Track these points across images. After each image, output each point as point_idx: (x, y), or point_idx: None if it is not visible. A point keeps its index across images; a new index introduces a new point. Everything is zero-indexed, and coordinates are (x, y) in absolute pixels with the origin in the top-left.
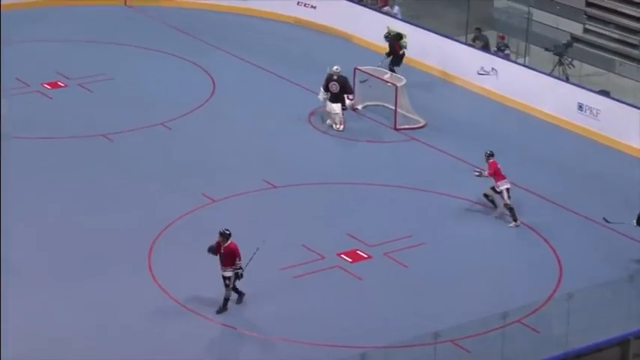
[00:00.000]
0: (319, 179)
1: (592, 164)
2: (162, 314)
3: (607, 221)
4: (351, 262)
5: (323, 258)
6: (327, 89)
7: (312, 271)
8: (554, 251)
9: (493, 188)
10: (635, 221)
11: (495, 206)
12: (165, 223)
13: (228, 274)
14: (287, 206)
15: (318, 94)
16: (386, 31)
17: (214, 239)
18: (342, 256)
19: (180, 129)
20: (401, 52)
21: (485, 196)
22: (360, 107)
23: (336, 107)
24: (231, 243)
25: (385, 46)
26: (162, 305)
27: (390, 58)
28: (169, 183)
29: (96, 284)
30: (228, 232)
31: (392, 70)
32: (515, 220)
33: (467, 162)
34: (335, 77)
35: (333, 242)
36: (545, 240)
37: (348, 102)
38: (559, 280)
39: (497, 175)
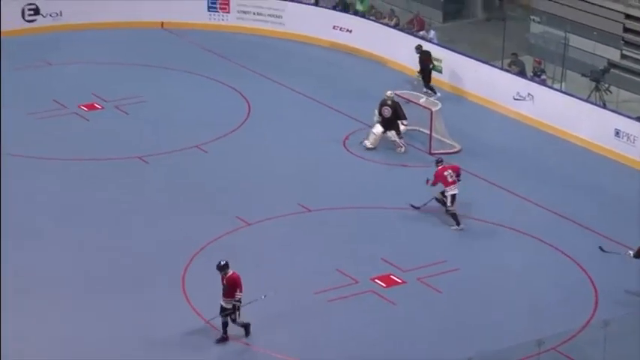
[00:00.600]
0: (354, 203)
1: (628, 191)
2: (195, 336)
3: (602, 250)
4: (384, 287)
5: (357, 282)
6: (380, 113)
7: (345, 295)
8: (589, 278)
9: (443, 193)
10: (632, 252)
11: (446, 208)
12: (200, 245)
13: (228, 305)
14: (321, 230)
15: (362, 119)
16: (417, 44)
17: (247, 262)
18: (376, 280)
19: (215, 151)
20: (431, 66)
21: (437, 199)
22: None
23: (391, 134)
24: (233, 273)
25: (416, 61)
26: (195, 327)
27: (422, 77)
28: (204, 205)
29: (130, 304)
30: (224, 264)
31: (430, 89)
32: (458, 223)
33: (502, 187)
34: (388, 102)
35: (367, 267)
36: (580, 266)
37: (402, 127)
38: (595, 307)
39: (444, 181)
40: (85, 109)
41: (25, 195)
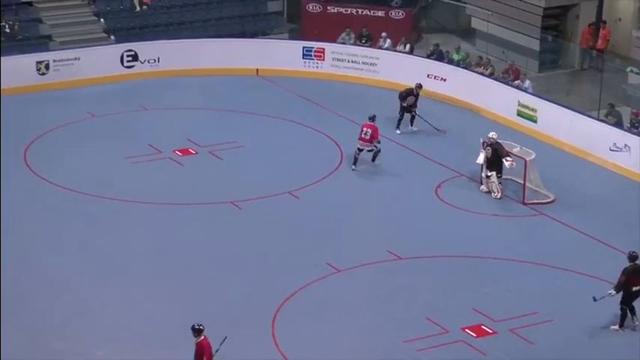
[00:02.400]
0: (445, 252)
1: None
2: None
3: (595, 299)
4: (475, 337)
5: (447, 332)
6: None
7: (435, 344)
8: None
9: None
10: (613, 291)
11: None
12: (290, 291)
13: None
14: (411, 278)
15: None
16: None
17: (337, 309)
18: (467, 330)
19: (307, 198)
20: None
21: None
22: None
23: (492, 176)
24: (203, 339)
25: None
26: None
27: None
28: (295, 251)
29: (220, 350)
30: (198, 327)
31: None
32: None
33: (597, 239)
34: (490, 143)
35: (457, 316)
36: None
37: (507, 163)
38: None
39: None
40: (180, 153)
41: (119, 238)
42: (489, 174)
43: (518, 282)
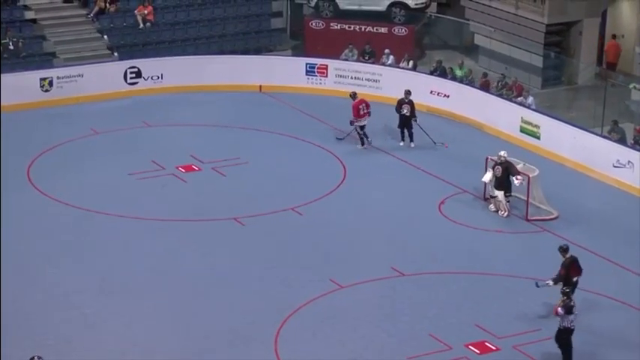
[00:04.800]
0: (448, 268)
1: None
2: None
3: (537, 285)
4: (478, 354)
5: (450, 349)
6: (494, 172)
7: None
8: None
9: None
10: (550, 281)
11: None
12: (293, 307)
13: None
14: (414, 294)
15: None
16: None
17: (340, 325)
18: (470, 347)
19: (310, 214)
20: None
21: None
22: None
23: (500, 195)
24: None
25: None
26: None
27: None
28: (298, 267)
29: None
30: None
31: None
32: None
33: (601, 255)
34: (500, 162)
35: (460, 333)
36: None
37: (517, 182)
38: None
39: (356, 114)
40: (183, 170)
41: (122, 254)
42: (496, 194)
43: (522, 298)
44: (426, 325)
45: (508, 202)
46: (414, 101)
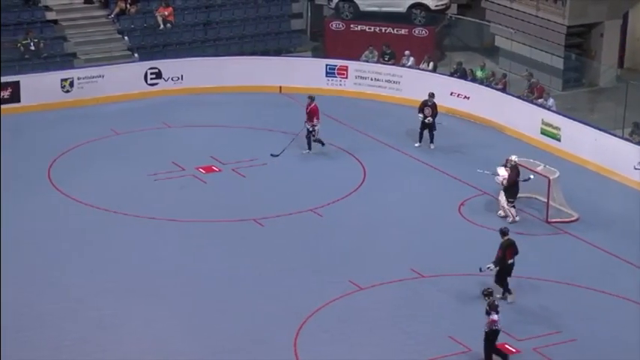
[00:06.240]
0: (467, 270)
1: None
2: None
3: (481, 270)
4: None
5: (470, 350)
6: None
7: None
8: None
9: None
10: (492, 265)
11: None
12: (312, 308)
13: None
14: (434, 297)
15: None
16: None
17: (359, 327)
18: None
19: (330, 215)
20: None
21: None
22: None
23: (502, 199)
24: None
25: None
26: None
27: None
28: (317, 268)
29: None
30: None
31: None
32: (322, 144)
33: (620, 258)
34: (509, 165)
35: (480, 335)
36: None
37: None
38: None
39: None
40: (203, 171)
41: (141, 255)
42: (501, 197)
43: (542, 301)
44: (445, 327)
45: (513, 206)
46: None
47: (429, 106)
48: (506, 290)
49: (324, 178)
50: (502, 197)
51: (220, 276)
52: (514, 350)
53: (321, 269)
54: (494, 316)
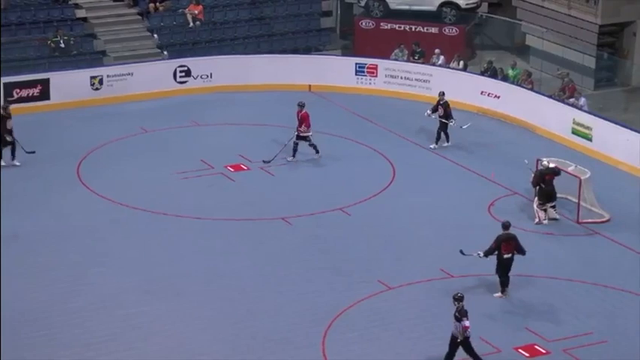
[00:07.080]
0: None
1: None
2: None
3: (462, 253)
4: (528, 357)
5: (499, 351)
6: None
7: None
8: None
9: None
10: (481, 252)
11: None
12: (340, 308)
13: None
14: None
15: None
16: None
17: (388, 327)
18: (519, 350)
19: (359, 214)
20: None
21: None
22: None
23: (535, 201)
24: None
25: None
26: None
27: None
28: (346, 268)
29: None
30: None
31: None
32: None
33: None
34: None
35: (510, 336)
36: None
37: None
38: None
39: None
40: (232, 169)
41: (169, 253)
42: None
43: (573, 302)
44: (474, 328)
45: (544, 210)
46: (460, 102)
47: (440, 105)
48: (503, 285)
49: (353, 176)
50: (535, 200)
51: (248, 275)
52: (543, 351)
53: (350, 269)
54: (466, 322)
